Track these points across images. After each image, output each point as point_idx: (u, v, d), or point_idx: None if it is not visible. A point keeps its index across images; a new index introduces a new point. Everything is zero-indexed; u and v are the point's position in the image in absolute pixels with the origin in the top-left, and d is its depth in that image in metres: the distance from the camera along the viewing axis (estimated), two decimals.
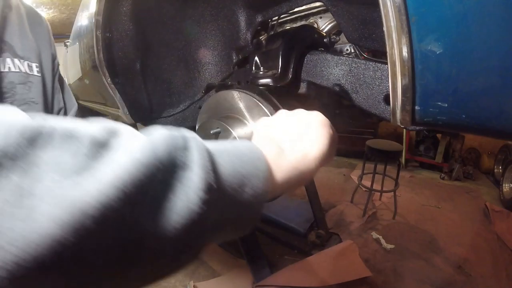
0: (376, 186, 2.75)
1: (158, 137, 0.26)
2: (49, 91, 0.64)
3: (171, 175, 0.24)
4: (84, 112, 4.00)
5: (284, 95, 0.90)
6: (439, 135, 3.82)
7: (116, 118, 1.20)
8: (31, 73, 0.58)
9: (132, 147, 0.23)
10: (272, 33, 1.09)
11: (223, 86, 0.99)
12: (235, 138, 0.79)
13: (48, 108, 0.63)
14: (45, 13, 4.47)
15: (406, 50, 0.41)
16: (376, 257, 2.19)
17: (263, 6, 1.03)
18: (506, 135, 0.41)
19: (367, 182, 2.79)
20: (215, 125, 0.82)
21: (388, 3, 0.40)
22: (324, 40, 0.94)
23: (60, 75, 0.72)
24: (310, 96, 0.97)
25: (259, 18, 1.07)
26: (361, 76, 0.75)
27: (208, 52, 1.18)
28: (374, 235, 2.42)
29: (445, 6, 0.37)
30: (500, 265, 2.12)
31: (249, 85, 0.98)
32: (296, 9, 1.08)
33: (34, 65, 0.59)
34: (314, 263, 1.96)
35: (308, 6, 1.07)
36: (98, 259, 0.20)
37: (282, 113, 0.46)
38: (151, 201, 0.22)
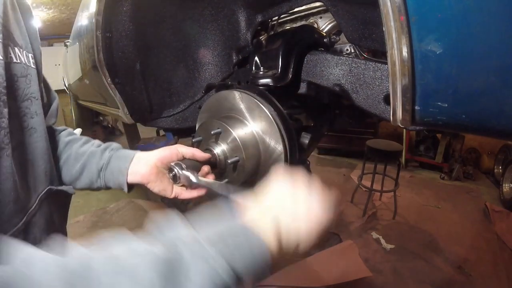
0: (376, 186, 2.75)
1: None
2: (41, 85, 0.61)
3: None
4: (84, 112, 4.00)
5: (284, 95, 0.90)
6: (439, 135, 3.82)
7: (116, 118, 1.19)
8: (29, 64, 0.53)
9: None
10: (272, 33, 1.09)
11: (223, 86, 0.99)
12: (235, 138, 0.79)
13: (44, 104, 0.60)
14: (45, 13, 4.47)
15: (406, 50, 0.41)
16: (376, 257, 2.19)
17: (263, 6, 1.03)
18: (506, 135, 0.41)
19: (367, 182, 2.79)
20: (216, 125, 0.82)
21: (388, 3, 0.40)
22: (324, 40, 0.94)
23: None
24: (310, 96, 0.97)
25: (259, 18, 1.07)
26: (361, 76, 0.75)
27: (208, 52, 1.18)
28: (374, 235, 2.42)
29: (445, 6, 0.37)
30: (500, 265, 2.12)
31: (249, 85, 0.98)
32: (296, 9, 1.08)
33: (30, 55, 0.55)
34: (314, 263, 1.96)
35: (308, 6, 1.07)
36: None
37: (288, 190, 0.47)
38: None
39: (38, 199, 0.53)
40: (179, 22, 1.10)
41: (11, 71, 0.49)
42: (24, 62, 0.52)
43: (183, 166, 0.66)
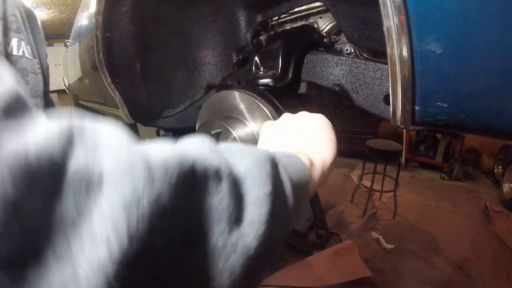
0: (376, 186, 2.75)
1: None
2: (48, 90, 0.61)
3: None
4: (84, 112, 3.99)
5: (284, 95, 0.90)
6: (439, 135, 3.82)
7: (116, 118, 1.20)
8: (38, 65, 0.53)
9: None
10: (272, 33, 1.09)
11: (223, 86, 0.99)
12: (235, 138, 0.79)
13: (48, 106, 0.61)
14: (45, 13, 4.47)
15: (406, 50, 0.41)
16: (376, 257, 2.19)
17: (263, 6, 1.03)
18: (506, 135, 0.41)
19: (367, 182, 2.79)
20: (216, 125, 0.82)
21: (388, 3, 0.40)
22: (324, 40, 0.94)
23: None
24: (310, 96, 0.97)
25: (259, 18, 1.07)
26: (361, 76, 0.75)
27: (208, 52, 1.18)
28: (374, 235, 2.42)
29: (445, 6, 0.37)
30: (500, 265, 2.12)
31: (249, 85, 0.98)
32: (296, 9, 1.08)
33: (35, 61, 0.55)
34: (314, 263, 1.96)
35: (308, 6, 1.07)
36: None
37: (290, 115, 0.46)
38: None
39: None
40: (179, 22, 1.11)
41: (21, 64, 0.49)
42: (34, 61, 0.53)
43: None
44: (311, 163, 0.36)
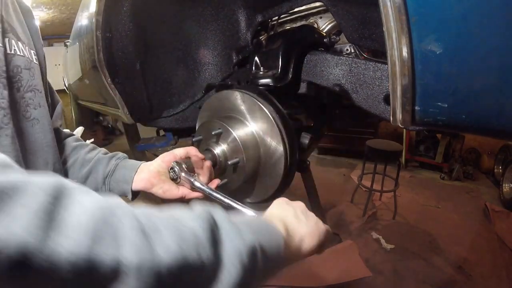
0: (376, 186, 2.75)
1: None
2: (46, 82, 0.62)
3: None
4: (84, 112, 3.99)
5: (284, 95, 0.90)
6: (439, 135, 3.82)
7: (116, 118, 1.19)
8: (31, 59, 0.55)
9: None
10: (272, 33, 1.09)
11: (223, 86, 0.99)
12: (235, 139, 0.79)
13: (47, 99, 0.62)
14: (45, 13, 4.46)
15: (406, 50, 0.41)
16: (376, 257, 2.19)
17: (263, 6, 1.03)
18: (506, 135, 0.41)
19: (367, 182, 2.79)
20: (216, 125, 0.82)
21: (388, 3, 0.40)
22: (324, 40, 0.94)
23: None
24: (310, 96, 0.97)
25: (259, 18, 1.07)
26: (361, 76, 0.75)
27: (208, 52, 1.18)
28: (374, 235, 2.42)
29: (445, 7, 0.37)
30: (500, 265, 2.12)
31: (249, 85, 0.98)
32: (296, 9, 1.08)
33: (32, 52, 0.57)
34: (314, 263, 1.96)
35: (308, 6, 1.07)
36: None
37: (285, 201, 0.53)
38: None
39: None
40: (179, 22, 1.10)
41: (15, 62, 0.51)
42: (27, 56, 0.54)
43: (184, 166, 0.66)
44: (289, 239, 0.43)
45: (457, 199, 3.15)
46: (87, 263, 0.23)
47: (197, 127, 0.98)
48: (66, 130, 0.75)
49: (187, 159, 0.69)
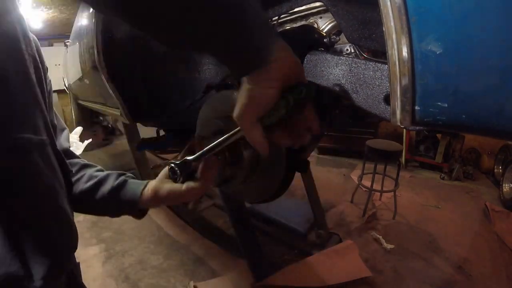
0: (376, 186, 2.75)
1: None
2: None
3: None
4: (84, 112, 3.99)
5: None
6: (439, 135, 3.82)
7: (116, 118, 1.20)
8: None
9: None
10: None
11: (223, 86, 0.99)
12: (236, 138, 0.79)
13: (53, 126, 0.63)
14: (45, 13, 4.46)
15: (406, 50, 0.41)
16: (376, 257, 2.19)
17: (263, 6, 1.03)
18: (506, 135, 0.41)
19: (367, 182, 2.79)
20: (217, 125, 0.82)
21: (388, 3, 0.40)
22: (324, 40, 0.94)
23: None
24: None
25: None
26: (361, 76, 0.75)
27: None
28: (374, 235, 2.42)
29: (445, 6, 0.37)
30: (500, 265, 2.12)
31: None
32: (296, 9, 1.08)
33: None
34: (314, 263, 1.96)
35: (308, 6, 1.07)
36: None
37: None
38: None
39: None
40: None
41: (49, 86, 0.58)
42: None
43: (176, 162, 0.65)
44: None
45: (457, 199, 3.16)
46: None
47: (197, 128, 0.98)
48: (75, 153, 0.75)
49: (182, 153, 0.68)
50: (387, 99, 0.68)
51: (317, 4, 1.04)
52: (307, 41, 0.93)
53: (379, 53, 0.87)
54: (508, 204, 2.94)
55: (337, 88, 0.81)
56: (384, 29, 0.43)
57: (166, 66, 1.17)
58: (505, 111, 0.38)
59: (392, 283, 1.94)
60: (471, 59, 0.38)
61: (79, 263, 0.61)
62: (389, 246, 2.27)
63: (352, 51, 0.92)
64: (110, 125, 5.78)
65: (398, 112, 0.47)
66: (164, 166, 0.66)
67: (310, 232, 2.24)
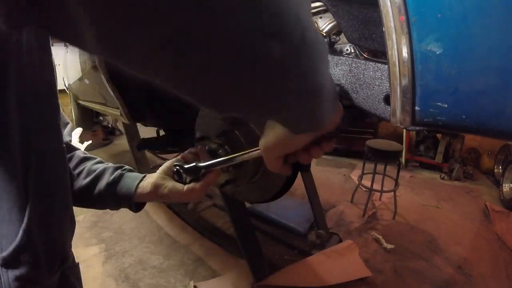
0: (376, 186, 2.75)
1: None
2: None
3: None
4: (84, 112, 3.99)
5: None
6: (439, 135, 3.82)
7: (116, 118, 1.20)
8: None
9: None
10: None
11: None
12: (238, 138, 0.79)
13: None
14: None
15: (406, 51, 0.41)
16: (376, 257, 2.19)
17: None
18: (506, 135, 0.41)
19: (367, 182, 2.79)
20: (218, 125, 0.82)
21: (388, 3, 0.40)
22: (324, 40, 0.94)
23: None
24: None
25: None
26: (361, 76, 0.75)
27: None
28: (374, 235, 2.42)
29: (445, 7, 0.37)
30: (500, 265, 2.12)
31: None
32: None
33: None
34: (314, 263, 1.96)
35: None
36: None
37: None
38: None
39: None
40: None
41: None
42: None
43: (183, 163, 0.66)
44: None
45: (457, 199, 3.16)
46: None
47: (196, 127, 0.98)
48: (75, 144, 0.76)
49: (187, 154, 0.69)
50: (387, 99, 0.68)
51: (317, 4, 1.04)
52: None
53: (379, 53, 0.87)
54: (508, 204, 2.94)
55: (337, 88, 0.82)
56: (384, 29, 0.43)
57: None
58: (505, 111, 0.38)
59: (392, 283, 1.94)
60: (471, 60, 0.38)
61: (78, 263, 0.61)
62: (389, 246, 2.27)
63: (352, 51, 0.92)
64: (110, 125, 5.78)
65: (398, 112, 0.47)
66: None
67: (310, 232, 2.24)
